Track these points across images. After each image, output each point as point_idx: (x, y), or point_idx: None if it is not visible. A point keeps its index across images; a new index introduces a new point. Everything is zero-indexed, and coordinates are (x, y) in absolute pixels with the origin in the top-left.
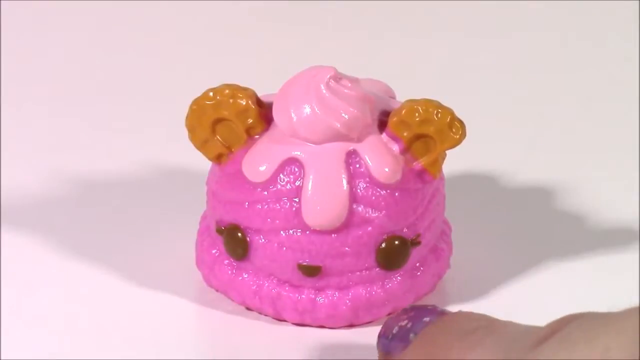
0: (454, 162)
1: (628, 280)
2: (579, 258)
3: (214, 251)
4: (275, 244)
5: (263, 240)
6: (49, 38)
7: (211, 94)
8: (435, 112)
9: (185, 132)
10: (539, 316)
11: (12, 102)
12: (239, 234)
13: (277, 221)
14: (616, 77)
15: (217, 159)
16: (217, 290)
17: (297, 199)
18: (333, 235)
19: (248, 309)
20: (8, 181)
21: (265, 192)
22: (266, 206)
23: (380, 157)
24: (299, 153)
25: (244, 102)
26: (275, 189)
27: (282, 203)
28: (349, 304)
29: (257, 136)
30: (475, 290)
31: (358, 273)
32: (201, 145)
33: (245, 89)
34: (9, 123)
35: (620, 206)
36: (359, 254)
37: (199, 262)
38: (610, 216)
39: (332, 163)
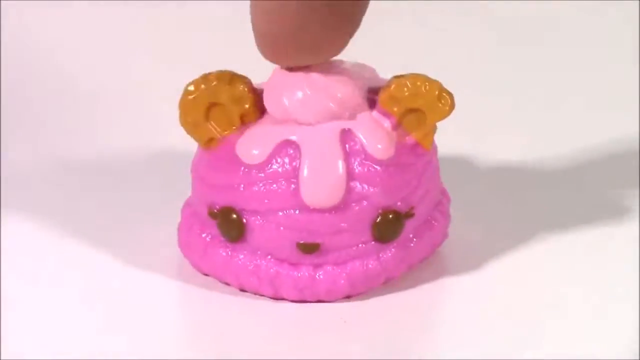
0: (456, 134)
1: (626, 252)
2: (579, 230)
3: (204, 235)
4: (274, 225)
5: (260, 221)
6: (41, 27)
7: (208, 77)
8: (424, 85)
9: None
10: (537, 287)
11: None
12: (234, 216)
13: (275, 202)
14: (621, 66)
15: (208, 143)
16: (208, 276)
17: (294, 180)
18: (331, 212)
19: (244, 291)
20: None
21: (262, 174)
22: (263, 188)
23: (374, 134)
24: (294, 135)
25: (240, 88)
26: (271, 170)
27: (279, 184)
28: (347, 277)
29: (251, 123)
30: (472, 260)
31: (355, 248)
32: (192, 129)
33: (241, 76)
34: None
35: (620, 177)
36: (356, 230)
37: (186, 249)
38: (611, 186)
39: (327, 142)
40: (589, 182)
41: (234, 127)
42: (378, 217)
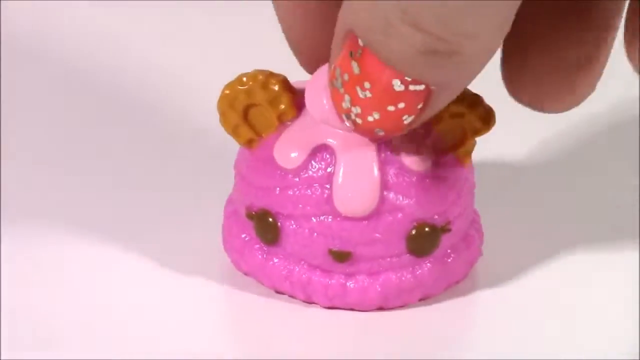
0: (484, 148)
1: None
2: (611, 245)
3: (243, 236)
4: (307, 230)
5: (294, 225)
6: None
7: (244, 79)
8: (466, 99)
9: (214, 115)
10: (569, 301)
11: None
12: (270, 219)
13: (309, 207)
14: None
15: (248, 144)
16: (246, 275)
17: (328, 186)
18: (364, 222)
19: (279, 292)
20: (24, 160)
21: (297, 179)
22: (297, 192)
23: (411, 145)
24: (330, 140)
25: (276, 88)
26: (306, 175)
27: (313, 189)
28: (379, 289)
29: (288, 123)
30: (506, 277)
31: (388, 259)
32: (232, 130)
33: (277, 75)
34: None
35: None
36: (390, 241)
37: (228, 247)
38: (601, 209)
39: (363, 150)
40: (621, 200)
41: (272, 127)
42: (413, 229)
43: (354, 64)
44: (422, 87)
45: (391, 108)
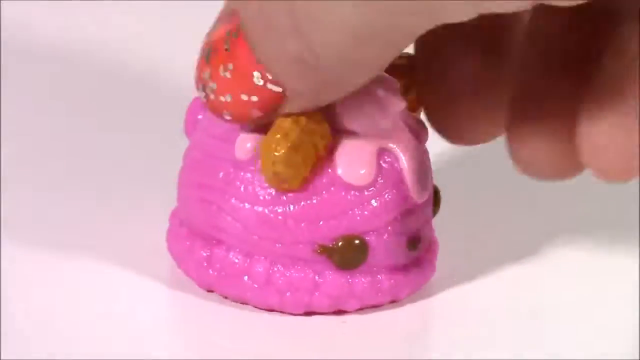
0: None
1: (616, 283)
2: (611, 246)
3: (311, 275)
4: (392, 234)
5: (380, 235)
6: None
7: (298, 120)
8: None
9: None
10: (570, 301)
11: None
12: (357, 241)
13: (391, 211)
14: None
15: (302, 183)
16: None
17: (400, 183)
18: (425, 204)
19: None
20: None
21: (372, 189)
22: (378, 202)
23: (413, 118)
24: (383, 142)
25: (326, 125)
26: (382, 181)
27: (390, 192)
28: (433, 263)
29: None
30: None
31: (431, 234)
32: (292, 176)
33: (315, 112)
34: None
35: (613, 202)
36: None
37: (272, 299)
38: (601, 210)
39: (407, 138)
40: (586, 192)
41: (315, 157)
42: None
43: (227, 41)
44: (279, 89)
45: (244, 97)
